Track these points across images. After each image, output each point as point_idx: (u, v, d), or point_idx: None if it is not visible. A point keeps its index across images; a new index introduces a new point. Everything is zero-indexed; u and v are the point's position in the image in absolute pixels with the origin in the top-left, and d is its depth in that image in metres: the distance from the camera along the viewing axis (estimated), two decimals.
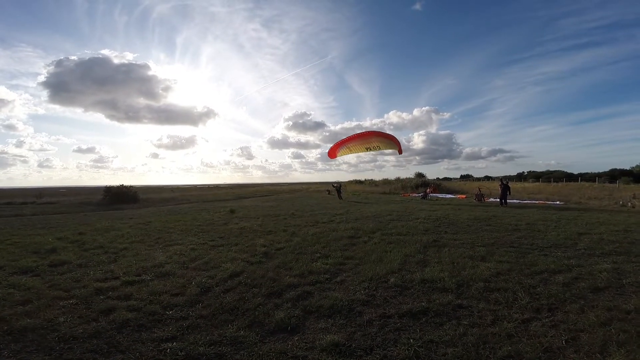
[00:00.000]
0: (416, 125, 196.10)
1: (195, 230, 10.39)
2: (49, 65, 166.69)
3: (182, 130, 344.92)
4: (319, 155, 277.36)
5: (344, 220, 12.09)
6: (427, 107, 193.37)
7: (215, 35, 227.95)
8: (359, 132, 16.93)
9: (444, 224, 10.79)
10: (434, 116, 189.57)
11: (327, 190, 42.52)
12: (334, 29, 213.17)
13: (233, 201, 29.19)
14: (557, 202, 21.66)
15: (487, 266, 5.65)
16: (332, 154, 16.99)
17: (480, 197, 23.60)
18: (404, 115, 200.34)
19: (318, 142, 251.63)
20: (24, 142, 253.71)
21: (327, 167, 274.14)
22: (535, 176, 62.75)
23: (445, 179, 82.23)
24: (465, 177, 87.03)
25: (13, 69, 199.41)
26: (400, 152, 17.23)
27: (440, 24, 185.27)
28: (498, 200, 20.33)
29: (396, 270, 5.57)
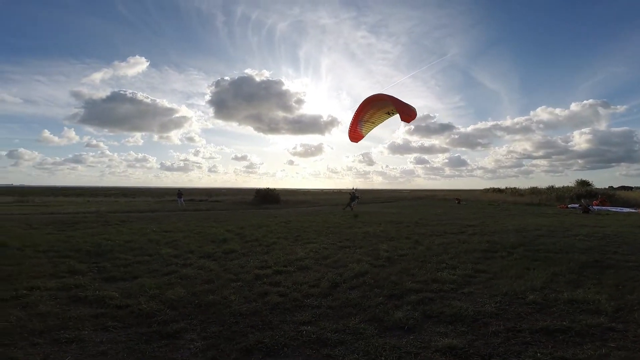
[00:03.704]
0: (576, 122, 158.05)
1: (325, 232, 11.53)
2: (210, 86, 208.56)
3: (311, 139, 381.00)
4: (446, 160, 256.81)
5: (478, 233, 11.11)
6: (590, 100, 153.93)
7: (329, 46, 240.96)
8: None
9: (614, 243, 8.69)
10: (601, 110, 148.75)
11: (457, 198, 39.05)
12: (447, 25, 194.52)
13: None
14: None
15: None
16: (354, 135, 12.37)
17: None
18: (558, 111, 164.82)
19: (445, 146, 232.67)
20: (200, 152, 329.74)
21: (457, 172, 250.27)
22: None
23: (622, 188, 63.24)
24: None
25: (188, 90, 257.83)
26: (405, 119, 10.05)
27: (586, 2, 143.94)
28: None
29: (538, 288, 4.98)
